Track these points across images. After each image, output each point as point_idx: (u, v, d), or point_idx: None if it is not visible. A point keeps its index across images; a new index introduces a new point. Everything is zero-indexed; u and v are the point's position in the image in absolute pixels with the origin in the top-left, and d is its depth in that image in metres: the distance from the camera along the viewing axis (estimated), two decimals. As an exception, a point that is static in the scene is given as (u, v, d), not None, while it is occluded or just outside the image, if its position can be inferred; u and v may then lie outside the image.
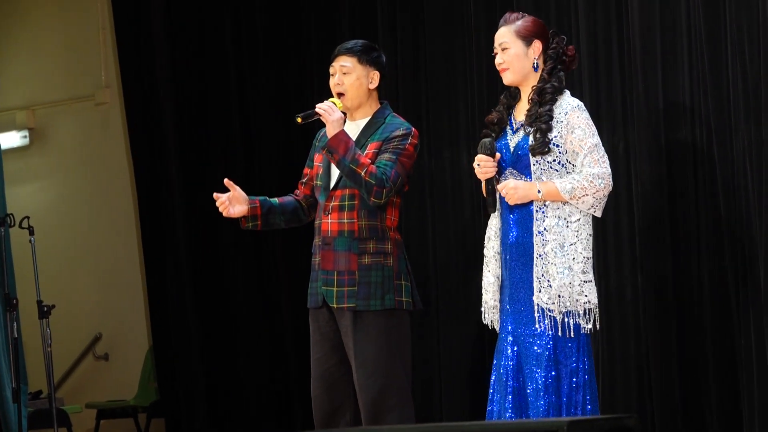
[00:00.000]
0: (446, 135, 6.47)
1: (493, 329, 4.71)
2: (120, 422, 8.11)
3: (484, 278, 4.70)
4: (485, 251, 4.70)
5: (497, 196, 4.63)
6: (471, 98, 6.44)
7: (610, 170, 4.55)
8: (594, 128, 4.58)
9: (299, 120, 4.83)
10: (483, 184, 4.72)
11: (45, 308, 6.66)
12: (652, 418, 5.71)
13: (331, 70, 4.95)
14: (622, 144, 5.86)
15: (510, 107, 4.74)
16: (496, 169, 4.59)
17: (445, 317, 6.47)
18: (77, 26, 8.51)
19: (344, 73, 4.90)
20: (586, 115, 4.58)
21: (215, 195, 4.85)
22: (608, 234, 5.87)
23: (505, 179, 4.62)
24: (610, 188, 4.57)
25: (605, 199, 4.58)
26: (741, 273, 5.54)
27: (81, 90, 8.48)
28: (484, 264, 4.70)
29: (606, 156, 4.57)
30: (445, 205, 6.52)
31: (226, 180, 4.87)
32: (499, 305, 4.67)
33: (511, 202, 4.57)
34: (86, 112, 8.48)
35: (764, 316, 5.42)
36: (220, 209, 4.89)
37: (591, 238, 4.57)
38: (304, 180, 5.07)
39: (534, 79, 4.65)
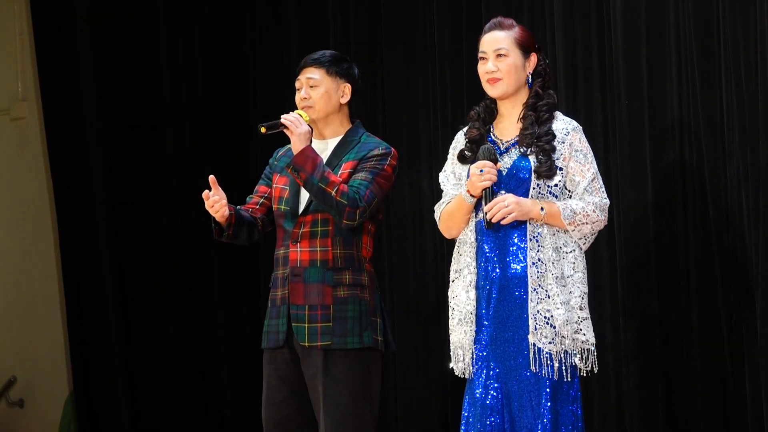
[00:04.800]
0: (405, 157, 6.34)
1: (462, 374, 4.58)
2: (36, 476, 8.02)
3: (452, 318, 4.54)
4: (452, 286, 4.55)
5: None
6: (434, 117, 6.36)
7: (609, 202, 4.54)
8: (593, 154, 4.55)
9: (263, 130, 4.71)
10: (464, 198, 4.51)
11: (-46, 349, 6.44)
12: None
13: (297, 84, 4.87)
14: (603, 169, 5.45)
15: (486, 123, 4.59)
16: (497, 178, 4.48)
17: (403, 357, 6.40)
18: (-9, 32, 8.50)
19: (311, 86, 4.83)
20: (585, 137, 4.55)
21: (205, 193, 4.69)
22: (586, 269, 5.60)
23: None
24: (606, 222, 4.55)
25: (596, 234, 4.57)
26: (735, 315, 5.38)
27: (-6, 103, 8.29)
28: (451, 301, 4.54)
29: (604, 186, 4.55)
30: (404, 235, 6.44)
31: (211, 177, 4.71)
32: (473, 345, 4.49)
33: (508, 220, 4.40)
34: (1, 127, 8.22)
35: (761, 363, 5.25)
36: (215, 207, 4.71)
37: (586, 272, 4.51)
38: (258, 199, 4.94)
39: (523, 96, 4.56)
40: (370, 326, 4.71)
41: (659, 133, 5.54)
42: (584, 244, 4.49)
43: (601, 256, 5.68)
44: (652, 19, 5.56)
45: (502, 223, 4.40)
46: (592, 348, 4.43)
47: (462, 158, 4.54)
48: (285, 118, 4.67)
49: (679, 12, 5.51)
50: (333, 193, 4.62)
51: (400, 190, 6.32)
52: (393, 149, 4.80)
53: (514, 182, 4.46)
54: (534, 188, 4.44)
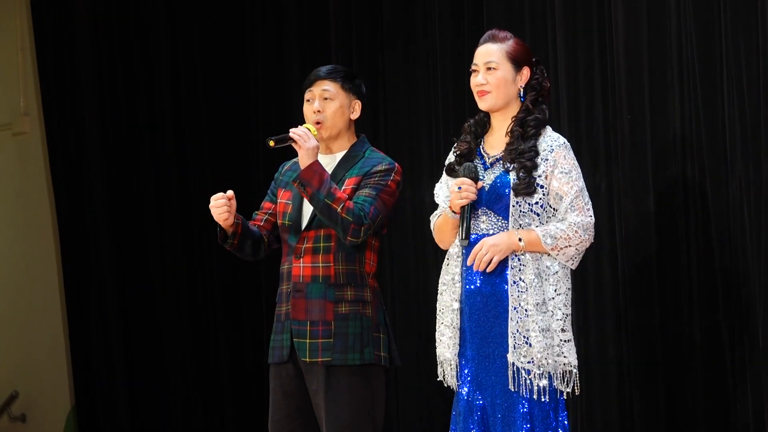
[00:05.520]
0: (407, 171, 6.18)
1: (450, 386, 4.59)
2: (38, 491, 7.99)
3: (438, 331, 4.53)
4: (440, 298, 4.53)
5: (470, 224, 4.49)
6: (435, 130, 6.33)
7: (594, 219, 4.43)
8: (580, 170, 4.44)
9: (271, 144, 4.65)
10: (442, 216, 4.53)
11: (-45, 364, 6.45)
12: (637, 493, 5.61)
13: (308, 96, 4.80)
14: (605, 183, 5.71)
15: (478, 137, 4.54)
16: (477, 196, 4.41)
17: (405, 372, 6.35)
18: (-7, 47, 8.46)
19: (326, 99, 4.77)
20: (572, 154, 4.44)
21: (215, 196, 4.66)
22: (588, 284, 5.70)
23: (477, 218, 4.44)
24: (593, 240, 4.44)
25: (584, 252, 4.47)
26: (737, 329, 5.36)
27: (-3, 118, 8.23)
28: (438, 314, 4.53)
29: (590, 203, 4.44)
30: (405, 249, 6.41)
31: (230, 192, 4.70)
32: (458, 360, 4.48)
33: (493, 265, 4.34)
34: (3, 142, 8.24)
35: (763, 377, 5.22)
36: (220, 210, 4.67)
37: (570, 293, 4.42)
38: (263, 215, 4.91)
39: (514, 109, 4.50)
40: (372, 342, 4.66)
41: (661, 147, 5.51)
42: (572, 264, 4.42)
43: (602, 271, 5.65)
44: (653, 32, 5.55)
45: (488, 270, 4.33)
46: (574, 370, 4.36)
47: (450, 171, 4.51)
48: (294, 132, 4.62)
49: (681, 25, 5.48)
50: (339, 209, 4.57)
51: (401, 203, 6.15)
52: (397, 164, 4.76)
53: (494, 198, 4.40)
54: (513, 205, 4.38)
